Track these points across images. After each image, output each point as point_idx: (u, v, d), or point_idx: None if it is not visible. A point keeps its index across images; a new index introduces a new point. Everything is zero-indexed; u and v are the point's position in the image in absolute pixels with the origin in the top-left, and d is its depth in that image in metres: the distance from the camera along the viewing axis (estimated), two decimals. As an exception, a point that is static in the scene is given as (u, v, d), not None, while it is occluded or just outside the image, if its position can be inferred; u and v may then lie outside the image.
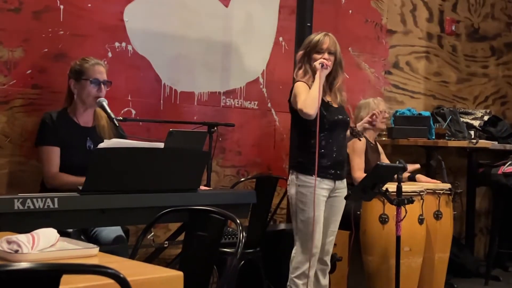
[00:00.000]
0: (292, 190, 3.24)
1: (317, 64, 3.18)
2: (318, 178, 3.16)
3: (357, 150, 4.15)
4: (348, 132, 3.40)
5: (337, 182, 3.26)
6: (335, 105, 3.29)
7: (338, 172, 3.26)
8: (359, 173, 4.09)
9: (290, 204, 3.28)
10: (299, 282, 3.18)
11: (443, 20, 5.62)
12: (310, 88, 3.16)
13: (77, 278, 1.37)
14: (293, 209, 3.24)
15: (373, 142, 4.38)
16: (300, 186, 3.20)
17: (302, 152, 3.26)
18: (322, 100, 3.23)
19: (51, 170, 3.05)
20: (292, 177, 3.25)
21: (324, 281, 3.32)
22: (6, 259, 1.65)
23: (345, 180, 3.33)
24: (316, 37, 3.30)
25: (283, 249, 3.53)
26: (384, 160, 4.40)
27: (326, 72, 3.20)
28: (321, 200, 3.19)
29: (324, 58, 3.21)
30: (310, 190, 3.16)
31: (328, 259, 3.32)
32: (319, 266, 3.29)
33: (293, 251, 3.23)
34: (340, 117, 3.27)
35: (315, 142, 3.13)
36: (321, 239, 3.22)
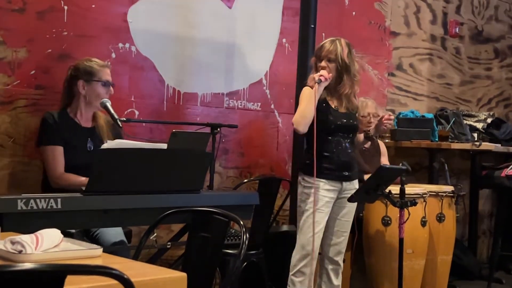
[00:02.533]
0: (298, 191, 3.31)
1: (315, 78, 3.19)
2: (324, 180, 3.21)
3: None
4: (361, 137, 3.50)
5: (344, 183, 3.28)
6: (342, 110, 3.30)
7: (345, 173, 3.28)
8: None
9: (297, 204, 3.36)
10: (296, 279, 3.23)
11: (447, 22, 5.62)
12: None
13: (81, 278, 1.37)
14: (298, 209, 3.31)
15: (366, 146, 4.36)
16: (304, 186, 3.26)
17: (307, 154, 3.32)
18: (327, 104, 3.27)
19: (57, 170, 3.03)
20: (299, 178, 3.32)
21: (337, 281, 3.35)
22: (10, 260, 1.66)
23: (355, 181, 3.35)
24: (322, 42, 3.34)
25: (286, 251, 3.53)
26: (385, 162, 4.37)
27: (325, 84, 3.21)
28: (325, 201, 3.22)
29: (321, 66, 3.23)
30: (311, 190, 3.21)
31: (340, 259, 3.35)
32: (331, 266, 3.33)
33: (294, 250, 3.28)
34: (345, 121, 3.29)
35: (318, 145, 3.20)
36: (320, 240, 3.24)
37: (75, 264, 1.28)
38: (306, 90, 3.26)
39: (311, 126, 3.19)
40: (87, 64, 3.15)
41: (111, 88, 3.17)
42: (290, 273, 3.26)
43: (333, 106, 3.29)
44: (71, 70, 3.19)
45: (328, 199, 3.23)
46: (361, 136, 3.55)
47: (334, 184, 3.25)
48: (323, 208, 3.21)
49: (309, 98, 3.19)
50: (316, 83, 3.17)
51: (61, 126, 3.09)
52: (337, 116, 3.27)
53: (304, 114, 3.19)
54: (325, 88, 3.26)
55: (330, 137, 3.26)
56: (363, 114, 4.28)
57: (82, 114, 3.17)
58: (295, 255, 3.26)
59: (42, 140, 3.10)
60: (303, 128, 3.19)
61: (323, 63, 3.23)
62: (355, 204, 3.35)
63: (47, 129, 3.08)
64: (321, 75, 3.17)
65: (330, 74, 3.21)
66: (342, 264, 3.37)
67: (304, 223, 3.22)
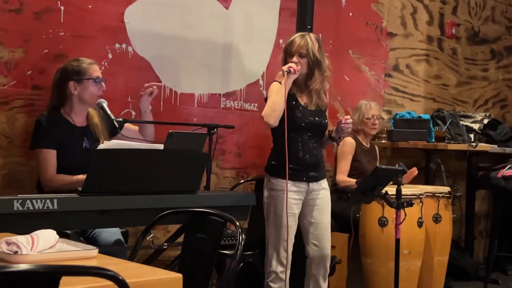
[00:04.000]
0: (265, 194, 3.23)
1: (284, 68, 3.14)
2: (289, 182, 3.13)
3: (342, 152, 4.17)
4: (325, 137, 3.36)
5: (311, 184, 3.23)
6: (311, 108, 3.25)
7: (311, 174, 3.22)
8: (339, 176, 4.11)
9: (263, 208, 3.25)
10: (274, 286, 3.18)
11: (444, 23, 5.63)
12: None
13: (76, 279, 1.36)
14: (266, 213, 3.23)
15: (367, 145, 4.37)
16: (271, 189, 3.19)
17: (273, 154, 3.27)
18: (297, 101, 3.21)
19: (48, 172, 3.03)
20: (265, 180, 3.25)
21: (324, 285, 3.31)
22: (6, 260, 1.65)
23: (323, 181, 3.29)
24: (291, 38, 3.27)
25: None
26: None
27: (294, 76, 3.14)
28: (292, 203, 3.16)
29: (293, 61, 3.16)
30: (279, 193, 3.15)
31: (327, 262, 3.30)
32: (318, 271, 3.28)
33: (267, 255, 3.22)
34: (312, 119, 3.22)
35: (282, 143, 3.10)
36: (292, 243, 3.17)
37: (70, 265, 1.28)
38: (274, 85, 3.19)
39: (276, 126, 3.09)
40: (74, 64, 3.15)
41: (103, 84, 3.16)
42: (267, 279, 3.20)
43: (302, 103, 3.23)
44: (59, 72, 3.17)
45: (295, 201, 3.17)
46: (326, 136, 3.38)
47: (300, 185, 3.20)
48: (292, 211, 3.16)
49: (278, 91, 3.12)
50: (286, 73, 3.09)
51: (55, 128, 3.08)
52: (306, 113, 3.21)
53: (274, 107, 3.10)
54: (295, 84, 3.21)
55: (296, 136, 3.18)
56: (367, 117, 4.31)
57: (76, 114, 3.17)
58: (272, 261, 3.18)
59: (35, 142, 3.10)
60: (274, 121, 3.09)
61: (294, 59, 3.17)
62: (328, 203, 3.28)
63: (40, 132, 3.08)
64: (290, 66, 3.12)
65: (299, 67, 3.15)
66: (328, 267, 3.31)
67: (276, 228, 3.15)
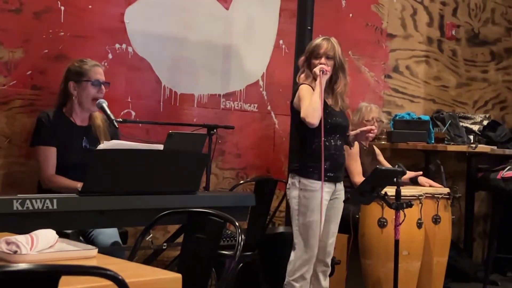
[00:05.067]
0: (293, 194, 3.23)
1: (317, 70, 3.17)
2: (320, 182, 3.17)
3: (352, 154, 4.17)
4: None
5: (336, 184, 3.29)
6: (337, 109, 3.29)
7: (337, 174, 3.28)
8: (358, 178, 4.10)
9: (290, 207, 3.28)
10: (297, 285, 3.19)
11: (443, 24, 5.63)
12: (313, 90, 3.16)
13: (76, 279, 1.37)
14: (294, 212, 3.23)
15: (366, 146, 4.38)
16: (303, 190, 3.20)
17: (303, 155, 3.25)
18: (325, 103, 3.23)
19: (47, 171, 3.04)
20: (293, 181, 3.24)
21: (325, 283, 3.33)
22: (5, 260, 1.65)
23: (342, 182, 3.35)
24: (315, 41, 3.31)
25: (282, 252, 3.53)
26: (383, 162, 4.40)
27: (326, 77, 3.19)
28: (324, 204, 3.20)
29: (321, 63, 3.20)
30: (314, 195, 3.17)
31: (329, 261, 3.33)
32: (321, 268, 3.30)
33: (292, 254, 3.23)
34: (340, 120, 3.28)
35: (317, 146, 3.14)
36: (318, 242, 3.21)
37: (69, 264, 1.28)
38: (305, 87, 3.21)
39: (306, 125, 3.13)
40: (77, 65, 3.16)
41: (103, 87, 3.15)
42: (289, 278, 3.20)
43: (329, 105, 3.27)
44: (65, 71, 3.20)
45: (324, 201, 3.21)
46: None
47: (329, 186, 3.24)
48: (320, 210, 3.19)
49: (313, 91, 3.14)
50: (321, 72, 3.14)
51: (55, 125, 3.09)
52: (334, 114, 3.26)
53: (314, 106, 3.09)
54: None
55: (326, 137, 3.21)
56: (367, 119, 4.32)
57: (77, 115, 3.18)
58: (297, 260, 3.19)
59: (35, 140, 3.11)
60: (316, 120, 3.07)
61: (322, 60, 3.21)
62: (342, 204, 3.33)
63: (41, 129, 3.09)
64: (322, 67, 3.17)
65: (329, 68, 3.21)
66: (330, 265, 3.34)
67: (306, 227, 3.17)
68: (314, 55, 3.25)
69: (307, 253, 3.18)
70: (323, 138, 3.12)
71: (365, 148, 4.35)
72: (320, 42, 3.27)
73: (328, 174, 3.20)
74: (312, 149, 3.20)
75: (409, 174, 4.05)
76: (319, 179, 3.16)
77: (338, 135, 3.27)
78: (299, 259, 3.19)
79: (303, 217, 3.19)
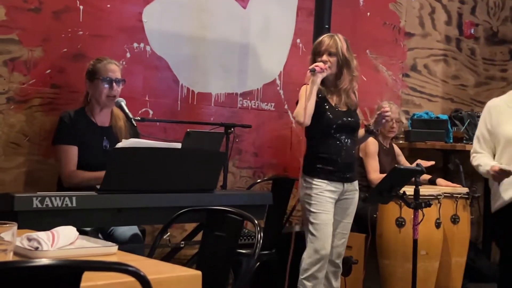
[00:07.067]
0: (301, 193, 3.25)
1: (310, 69, 3.14)
2: (325, 181, 3.17)
3: (369, 152, 4.15)
4: (362, 132, 3.37)
5: (346, 184, 3.24)
6: (343, 108, 3.25)
7: (346, 175, 3.24)
8: (374, 175, 4.08)
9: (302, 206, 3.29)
10: (308, 284, 3.18)
11: (462, 23, 5.58)
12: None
13: (97, 275, 1.37)
14: (305, 211, 3.25)
15: (387, 145, 4.36)
16: (307, 188, 3.20)
17: (307, 154, 3.27)
18: (328, 103, 3.22)
19: (68, 168, 3.06)
20: (301, 180, 3.26)
21: (336, 283, 3.31)
22: (27, 256, 1.66)
23: (356, 183, 3.32)
24: (318, 39, 3.28)
25: (299, 251, 3.52)
26: (404, 162, 4.38)
27: (321, 76, 3.13)
28: (328, 202, 3.18)
29: (322, 60, 3.16)
30: (315, 192, 3.17)
31: (340, 261, 3.31)
32: (331, 269, 3.29)
33: (304, 253, 3.23)
34: (345, 119, 3.23)
35: (317, 145, 3.17)
36: (330, 241, 3.20)
37: (92, 260, 1.28)
38: (304, 88, 3.19)
39: (308, 125, 3.11)
40: (92, 63, 3.19)
41: (115, 84, 3.14)
42: (301, 276, 3.20)
43: (333, 104, 3.23)
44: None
45: (331, 200, 3.19)
46: (362, 131, 3.40)
47: (336, 186, 3.21)
48: (328, 209, 3.18)
49: (308, 94, 3.11)
50: (310, 73, 3.09)
51: (77, 125, 3.11)
52: (338, 114, 3.22)
53: (304, 106, 3.07)
54: (325, 86, 3.21)
55: (331, 137, 3.19)
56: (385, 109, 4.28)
57: (97, 113, 3.19)
58: (307, 259, 3.19)
59: (57, 138, 3.13)
60: (304, 120, 3.05)
61: (324, 57, 3.17)
62: (355, 205, 3.31)
63: (63, 128, 3.11)
64: (316, 65, 3.12)
65: (327, 66, 3.15)
66: (341, 266, 3.32)
67: (314, 226, 3.17)
68: (317, 53, 3.23)
69: (317, 252, 3.17)
70: (322, 139, 3.13)
71: (385, 147, 4.32)
72: (322, 39, 3.23)
73: (333, 174, 3.18)
74: (313, 148, 3.20)
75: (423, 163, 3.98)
76: (326, 179, 3.17)
77: (345, 135, 3.23)
78: (309, 258, 3.19)
79: (310, 216, 3.18)
